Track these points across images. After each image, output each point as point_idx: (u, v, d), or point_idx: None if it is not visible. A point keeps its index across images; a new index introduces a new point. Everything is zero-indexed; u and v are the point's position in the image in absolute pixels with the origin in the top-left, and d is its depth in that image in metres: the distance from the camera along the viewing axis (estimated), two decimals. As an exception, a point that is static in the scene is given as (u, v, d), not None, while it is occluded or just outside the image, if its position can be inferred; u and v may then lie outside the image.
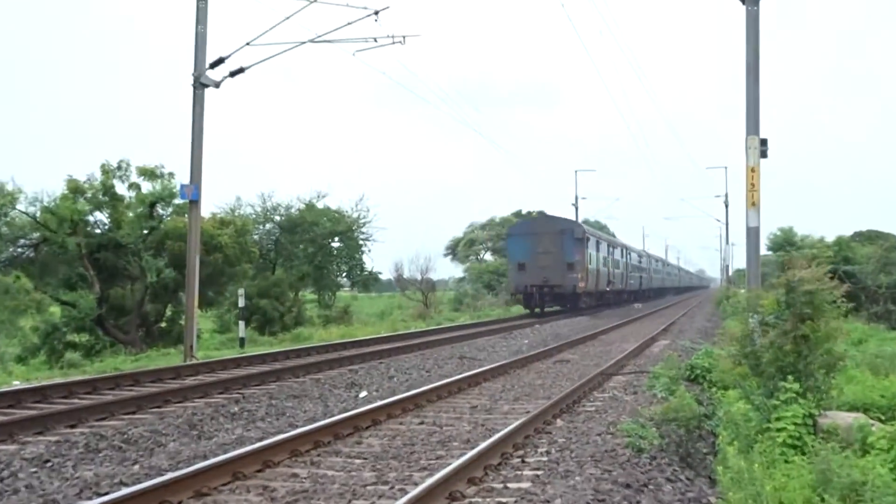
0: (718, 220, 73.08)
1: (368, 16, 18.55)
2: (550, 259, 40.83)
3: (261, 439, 9.45)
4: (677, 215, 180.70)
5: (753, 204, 13.16)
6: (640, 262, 66.42)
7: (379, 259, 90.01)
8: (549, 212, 64.76)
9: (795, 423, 8.42)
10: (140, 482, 7.30)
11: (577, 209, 63.47)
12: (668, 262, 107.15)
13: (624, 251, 55.58)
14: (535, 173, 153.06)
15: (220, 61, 19.24)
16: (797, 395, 8.85)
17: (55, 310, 27.56)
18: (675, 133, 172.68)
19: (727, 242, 70.03)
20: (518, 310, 44.34)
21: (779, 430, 8.43)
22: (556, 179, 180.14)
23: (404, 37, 19.12)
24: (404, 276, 51.06)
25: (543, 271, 40.75)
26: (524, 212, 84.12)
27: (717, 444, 9.47)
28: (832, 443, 7.95)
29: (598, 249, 45.28)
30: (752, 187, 13.06)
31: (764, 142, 12.96)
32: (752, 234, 13.39)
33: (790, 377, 9.08)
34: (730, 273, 71.47)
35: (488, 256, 74.35)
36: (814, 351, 9.11)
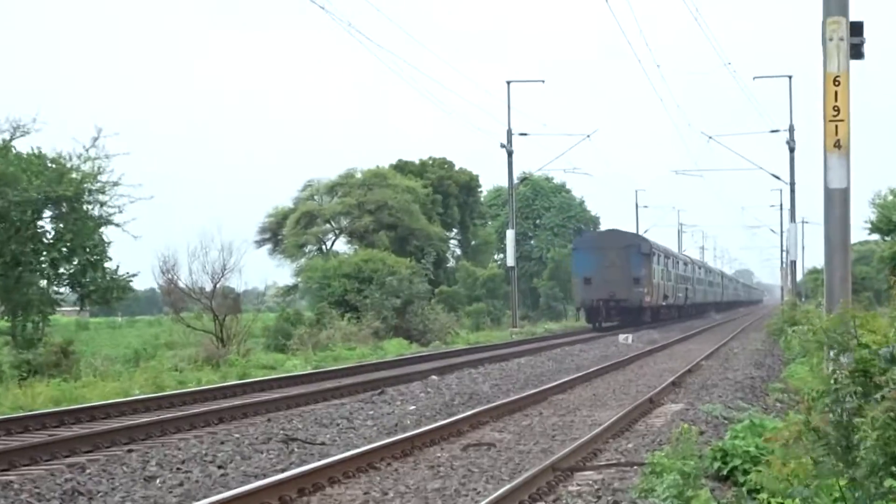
0: (777, 178, 72.81)
1: None
2: (617, 273, 70.44)
3: None
4: (696, 168, 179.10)
5: (838, 145, 13.28)
6: (684, 270, 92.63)
7: (135, 254, 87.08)
8: (457, 161, 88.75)
9: (914, 560, 8.30)
10: None
11: (510, 158, 64.72)
12: (710, 268, 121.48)
13: (673, 260, 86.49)
14: (438, 91, 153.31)
15: None
16: (918, 506, 8.79)
17: None
18: (697, 14, 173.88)
19: (792, 219, 70.87)
20: (398, 346, 49.89)
21: (884, 573, 8.28)
22: (480, 101, 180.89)
23: None
24: (180, 286, 50.19)
25: (610, 285, 70.07)
26: (407, 160, 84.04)
27: None
28: None
29: (659, 262, 76.85)
30: (836, 113, 13.05)
31: (857, 29, 13.03)
32: (837, 200, 13.59)
33: (904, 473, 9.04)
34: (796, 276, 72.85)
35: (342, 245, 73.94)
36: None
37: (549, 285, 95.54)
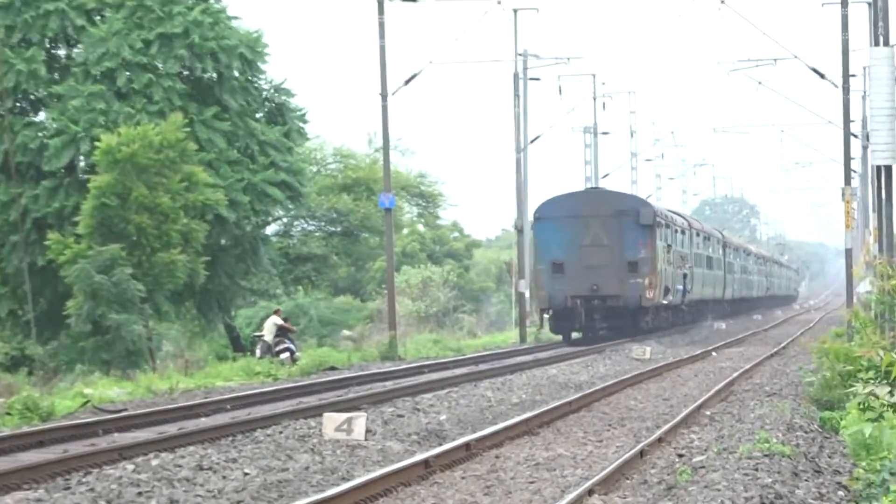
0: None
1: None
2: (603, 256, 48.73)
3: None
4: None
5: None
6: (682, 242, 58.73)
7: None
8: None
9: None
10: None
11: None
12: (707, 231, 72.09)
13: (673, 229, 57.27)
14: None
15: None
16: None
17: None
18: None
19: (879, 39, 31.37)
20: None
21: None
22: None
23: None
24: None
25: (592, 275, 48.56)
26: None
27: None
28: None
29: (663, 237, 52.64)
30: None
31: None
32: None
33: None
34: (893, 218, 27.89)
35: None
36: None
37: (103, 258, 37.22)
